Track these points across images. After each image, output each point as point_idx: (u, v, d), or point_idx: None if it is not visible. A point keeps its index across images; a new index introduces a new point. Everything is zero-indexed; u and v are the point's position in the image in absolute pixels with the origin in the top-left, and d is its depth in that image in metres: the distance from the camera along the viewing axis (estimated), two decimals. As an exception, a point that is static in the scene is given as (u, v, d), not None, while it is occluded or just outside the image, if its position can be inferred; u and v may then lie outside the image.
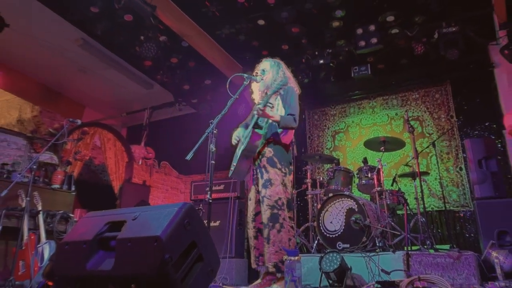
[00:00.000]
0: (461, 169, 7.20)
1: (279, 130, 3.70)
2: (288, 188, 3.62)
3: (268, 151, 3.64)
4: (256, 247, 3.67)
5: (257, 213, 3.67)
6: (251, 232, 3.73)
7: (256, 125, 3.69)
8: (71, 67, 8.15)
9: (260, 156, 3.66)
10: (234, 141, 3.89)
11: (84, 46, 7.36)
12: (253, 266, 3.70)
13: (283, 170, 3.60)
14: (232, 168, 3.71)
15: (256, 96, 3.98)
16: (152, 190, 9.01)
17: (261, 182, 3.60)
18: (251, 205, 3.76)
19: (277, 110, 3.70)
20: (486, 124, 7.21)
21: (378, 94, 8.32)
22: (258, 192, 3.67)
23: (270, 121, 3.68)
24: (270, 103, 3.58)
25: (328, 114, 8.76)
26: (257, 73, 3.93)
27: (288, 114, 3.64)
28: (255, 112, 3.53)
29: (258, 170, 3.68)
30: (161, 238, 1.96)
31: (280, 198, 3.50)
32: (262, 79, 3.87)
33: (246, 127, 3.87)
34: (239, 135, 3.86)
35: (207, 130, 3.36)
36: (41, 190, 5.49)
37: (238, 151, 3.75)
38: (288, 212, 3.54)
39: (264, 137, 3.67)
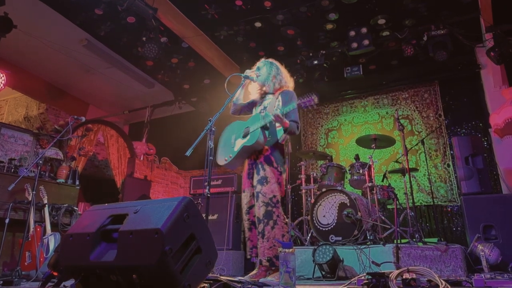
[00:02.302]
0: (448, 165, 7.27)
1: (279, 132, 3.73)
2: (282, 186, 3.66)
3: (266, 149, 3.68)
4: (250, 239, 3.72)
5: (251, 207, 3.72)
6: (245, 224, 3.79)
7: (266, 127, 3.67)
8: (76, 66, 8.18)
9: (258, 153, 3.71)
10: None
11: (88, 46, 7.44)
12: (248, 256, 3.76)
13: (278, 169, 3.65)
14: (227, 159, 3.76)
15: (254, 95, 4.03)
16: (153, 185, 8.97)
17: (256, 177, 3.64)
18: (245, 198, 3.80)
19: (276, 111, 3.69)
20: (473, 122, 7.28)
21: (370, 93, 8.35)
22: (252, 186, 3.70)
23: (272, 122, 3.67)
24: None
25: (321, 113, 8.78)
26: (254, 71, 3.95)
27: (291, 121, 3.63)
28: (273, 118, 3.49)
29: (254, 166, 3.72)
30: (162, 231, 1.96)
31: (274, 196, 3.55)
32: (258, 76, 3.91)
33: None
34: (234, 127, 3.93)
35: (205, 127, 3.36)
36: (46, 184, 5.52)
37: (235, 143, 3.79)
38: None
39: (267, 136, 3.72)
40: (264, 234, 3.49)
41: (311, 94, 3.45)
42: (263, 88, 3.95)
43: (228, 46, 7.63)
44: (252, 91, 4.06)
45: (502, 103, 6.47)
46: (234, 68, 8.06)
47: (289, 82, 4.03)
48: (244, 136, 3.72)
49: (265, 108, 3.84)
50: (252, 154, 3.76)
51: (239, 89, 3.96)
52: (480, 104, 7.28)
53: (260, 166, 3.67)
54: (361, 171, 5.75)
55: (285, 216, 3.65)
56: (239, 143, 3.73)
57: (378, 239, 4.92)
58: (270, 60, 4.09)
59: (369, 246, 4.27)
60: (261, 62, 4.04)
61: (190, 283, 2.06)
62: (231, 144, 3.82)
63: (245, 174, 3.85)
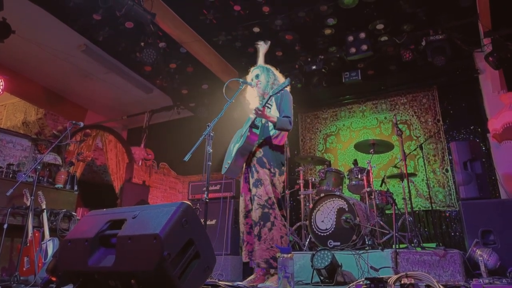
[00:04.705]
0: (447, 170, 7.27)
1: (272, 132, 3.76)
2: (278, 188, 3.68)
3: (259, 152, 3.72)
4: (249, 242, 3.72)
5: (250, 210, 3.74)
6: (243, 227, 3.78)
7: (253, 125, 3.71)
8: (74, 72, 8.18)
9: (252, 156, 3.75)
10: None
11: (87, 51, 7.43)
12: (244, 259, 3.76)
13: (272, 170, 3.67)
14: (227, 166, 3.80)
15: (253, 101, 4.05)
16: (151, 190, 8.98)
17: (251, 181, 3.69)
18: (243, 202, 3.82)
19: (271, 112, 3.76)
20: (471, 127, 7.29)
21: (368, 98, 8.37)
22: (249, 190, 3.75)
23: (264, 122, 3.75)
24: (269, 104, 3.63)
25: (320, 118, 8.80)
26: (252, 79, 4.02)
27: (283, 116, 3.67)
28: (254, 112, 3.55)
29: (249, 170, 3.77)
30: (160, 236, 1.98)
31: (270, 198, 3.56)
32: (257, 85, 3.95)
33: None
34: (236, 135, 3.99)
35: (204, 132, 3.43)
36: (45, 189, 5.50)
37: (233, 149, 3.83)
38: (280, 211, 3.60)
39: (259, 137, 3.75)
40: (261, 237, 3.49)
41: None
42: (263, 94, 3.97)
43: (227, 51, 7.63)
44: (251, 98, 4.09)
45: (500, 108, 6.48)
46: (232, 73, 8.05)
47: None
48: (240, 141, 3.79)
49: None
50: (247, 157, 3.79)
51: (237, 93, 3.97)
52: (478, 109, 7.28)
53: (253, 169, 3.71)
54: (359, 176, 5.74)
55: (283, 218, 3.65)
56: (236, 148, 3.79)
57: (376, 244, 4.89)
58: (265, 65, 4.13)
59: (368, 251, 4.24)
60: (257, 69, 4.07)
61: (189, 288, 2.07)
62: (231, 151, 3.89)
63: (242, 178, 3.88)
